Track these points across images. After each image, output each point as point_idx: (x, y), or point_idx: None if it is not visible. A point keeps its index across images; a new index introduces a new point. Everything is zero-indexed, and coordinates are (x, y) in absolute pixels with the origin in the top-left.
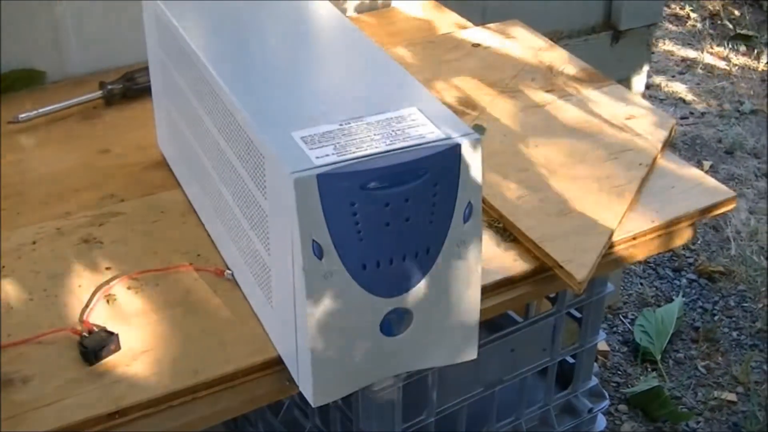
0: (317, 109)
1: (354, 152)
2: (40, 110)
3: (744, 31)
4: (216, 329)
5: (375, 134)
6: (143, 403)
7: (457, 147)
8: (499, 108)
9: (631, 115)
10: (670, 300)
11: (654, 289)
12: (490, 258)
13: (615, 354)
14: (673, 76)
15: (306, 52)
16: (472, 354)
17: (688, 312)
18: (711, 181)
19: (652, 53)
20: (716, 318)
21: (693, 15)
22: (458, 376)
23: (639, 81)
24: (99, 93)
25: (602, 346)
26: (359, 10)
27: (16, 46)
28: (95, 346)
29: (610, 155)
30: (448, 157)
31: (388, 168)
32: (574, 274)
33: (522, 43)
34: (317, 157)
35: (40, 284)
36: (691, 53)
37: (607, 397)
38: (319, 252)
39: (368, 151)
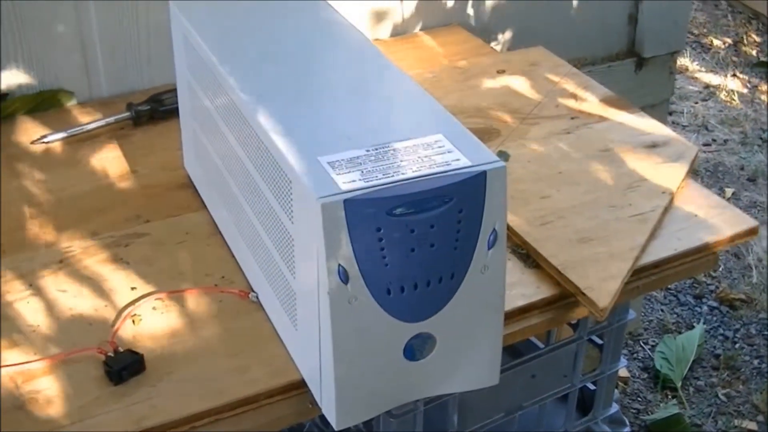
0: (344, 135)
1: (380, 178)
2: (68, 131)
3: (766, 59)
4: (240, 351)
5: (401, 160)
6: (166, 424)
7: (482, 175)
8: (523, 134)
9: (654, 142)
10: (691, 327)
11: (675, 315)
12: (513, 284)
13: (635, 380)
14: (696, 103)
15: (333, 77)
16: (494, 380)
17: (708, 339)
18: (733, 209)
19: (675, 80)
20: (737, 346)
21: (716, 42)
22: (479, 400)
23: (662, 108)
24: (126, 114)
25: (622, 372)
26: (386, 35)
27: (46, 67)
28: (120, 366)
29: (633, 182)
30: (474, 185)
31: (414, 194)
32: (597, 302)
33: (546, 70)
34: (344, 183)
35: (67, 303)
36: (713, 80)
37: (628, 424)
38: (344, 276)
39: (395, 178)
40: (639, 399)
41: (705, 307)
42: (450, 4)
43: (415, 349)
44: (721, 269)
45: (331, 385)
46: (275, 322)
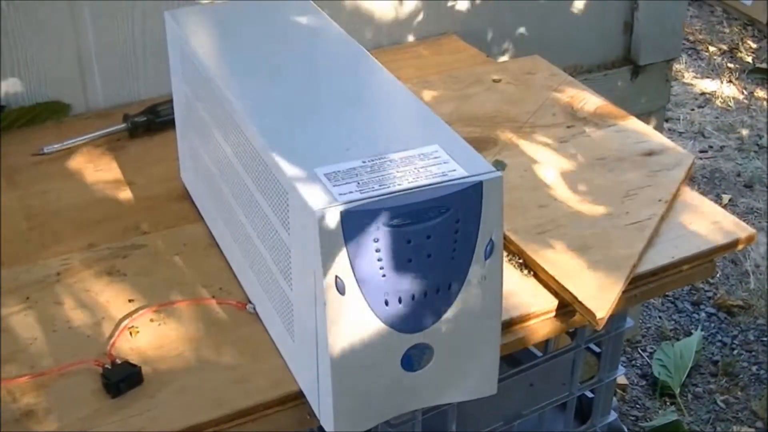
0: (341, 146)
1: (377, 189)
2: (65, 142)
3: (762, 65)
4: (237, 363)
5: (398, 171)
6: None
7: (478, 185)
8: (520, 143)
9: (650, 150)
10: (689, 333)
11: (673, 322)
12: (510, 293)
13: (633, 387)
14: (692, 110)
15: (329, 88)
16: (491, 389)
17: (707, 346)
18: (730, 217)
19: (671, 87)
20: (735, 352)
21: (712, 49)
22: (478, 409)
23: (658, 115)
24: (123, 125)
25: (621, 379)
26: (382, 45)
27: (42, 78)
28: (118, 378)
29: (630, 191)
30: (470, 195)
31: (410, 205)
32: (594, 311)
33: (542, 78)
34: (341, 194)
35: (64, 316)
36: (710, 86)
37: (626, 431)
38: (341, 288)
39: (391, 189)
40: (637, 406)
41: (703, 314)
42: (446, 13)
43: (413, 359)
44: (718, 276)
45: (328, 395)
46: (273, 333)
